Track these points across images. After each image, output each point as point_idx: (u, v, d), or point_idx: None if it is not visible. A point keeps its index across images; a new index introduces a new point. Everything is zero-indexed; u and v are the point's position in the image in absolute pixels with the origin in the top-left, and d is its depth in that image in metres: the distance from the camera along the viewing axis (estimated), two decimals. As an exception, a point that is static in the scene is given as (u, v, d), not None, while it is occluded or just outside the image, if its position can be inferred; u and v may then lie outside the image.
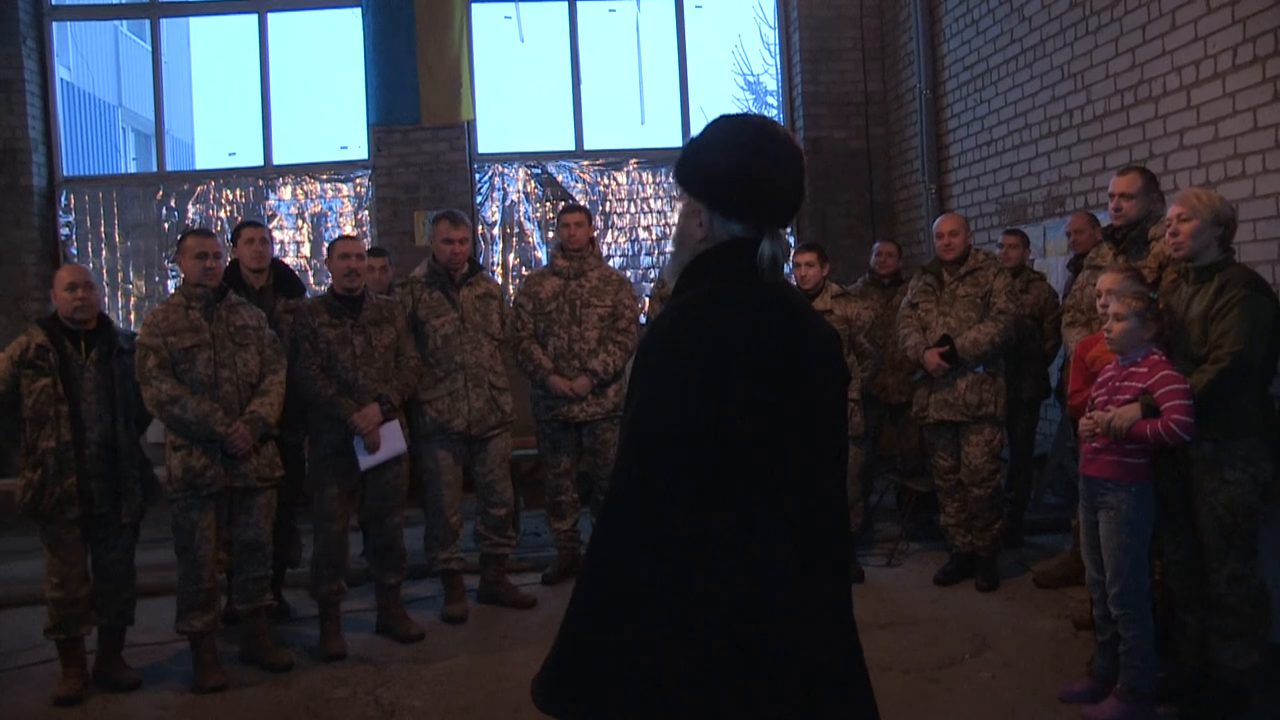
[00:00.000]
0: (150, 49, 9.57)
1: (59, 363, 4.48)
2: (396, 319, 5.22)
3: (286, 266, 5.81)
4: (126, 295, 8.99)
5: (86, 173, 10.95)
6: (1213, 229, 3.86)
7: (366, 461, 5.01)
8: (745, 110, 2.12)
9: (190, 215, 8.96)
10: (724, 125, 2.02)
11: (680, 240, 2.05)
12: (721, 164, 1.97)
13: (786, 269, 7.27)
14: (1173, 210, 3.94)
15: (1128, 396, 3.85)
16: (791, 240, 9.36)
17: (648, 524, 1.79)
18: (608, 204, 9.37)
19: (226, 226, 8.77)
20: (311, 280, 8.77)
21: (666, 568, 1.78)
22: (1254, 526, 3.83)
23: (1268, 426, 3.85)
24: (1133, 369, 3.89)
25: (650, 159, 9.38)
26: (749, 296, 1.92)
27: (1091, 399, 4.07)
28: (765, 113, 11.14)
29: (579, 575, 1.88)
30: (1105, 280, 4.11)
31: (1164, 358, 3.85)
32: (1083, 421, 4.04)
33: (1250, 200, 4.94)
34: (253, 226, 5.48)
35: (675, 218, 2.10)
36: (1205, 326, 3.83)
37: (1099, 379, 4.09)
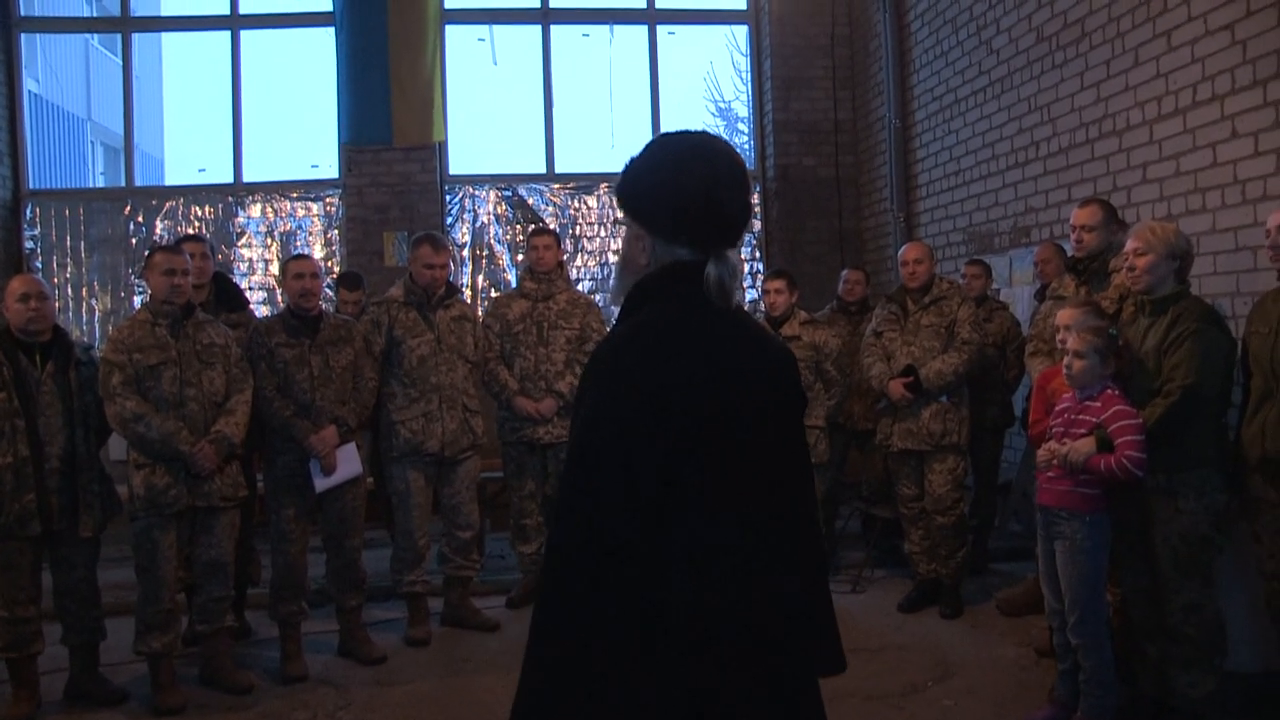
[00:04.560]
0: (121, 63, 9.51)
1: (14, 376, 4.41)
2: (355, 339, 5.20)
3: (229, 280, 5.77)
4: (91, 311, 8.90)
5: (53, 186, 10.85)
6: (1168, 262, 3.92)
7: (322, 484, 4.97)
8: (684, 129, 2.02)
9: (158, 231, 8.90)
10: (662, 145, 1.95)
11: (624, 264, 1.98)
12: (660, 186, 1.89)
13: (753, 294, 7.22)
14: (1129, 244, 4.01)
15: (1083, 431, 3.90)
16: (760, 265, 9.42)
17: (592, 554, 1.75)
18: (578, 227, 9.40)
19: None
20: (279, 299, 8.72)
21: (613, 597, 1.75)
22: (1208, 556, 3.88)
23: (1221, 457, 3.91)
24: (1088, 403, 3.94)
25: (617, 185, 9.38)
26: (694, 323, 1.85)
27: (1049, 428, 4.12)
28: (735, 140, 11.22)
29: (534, 610, 1.83)
30: (1063, 315, 4.15)
31: (1118, 393, 3.90)
32: (1040, 452, 4.09)
33: (1210, 234, 5.03)
34: (193, 241, 5.43)
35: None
36: (1159, 359, 3.89)
37: (1056, 409, 4.14)
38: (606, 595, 1.75)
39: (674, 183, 1.88)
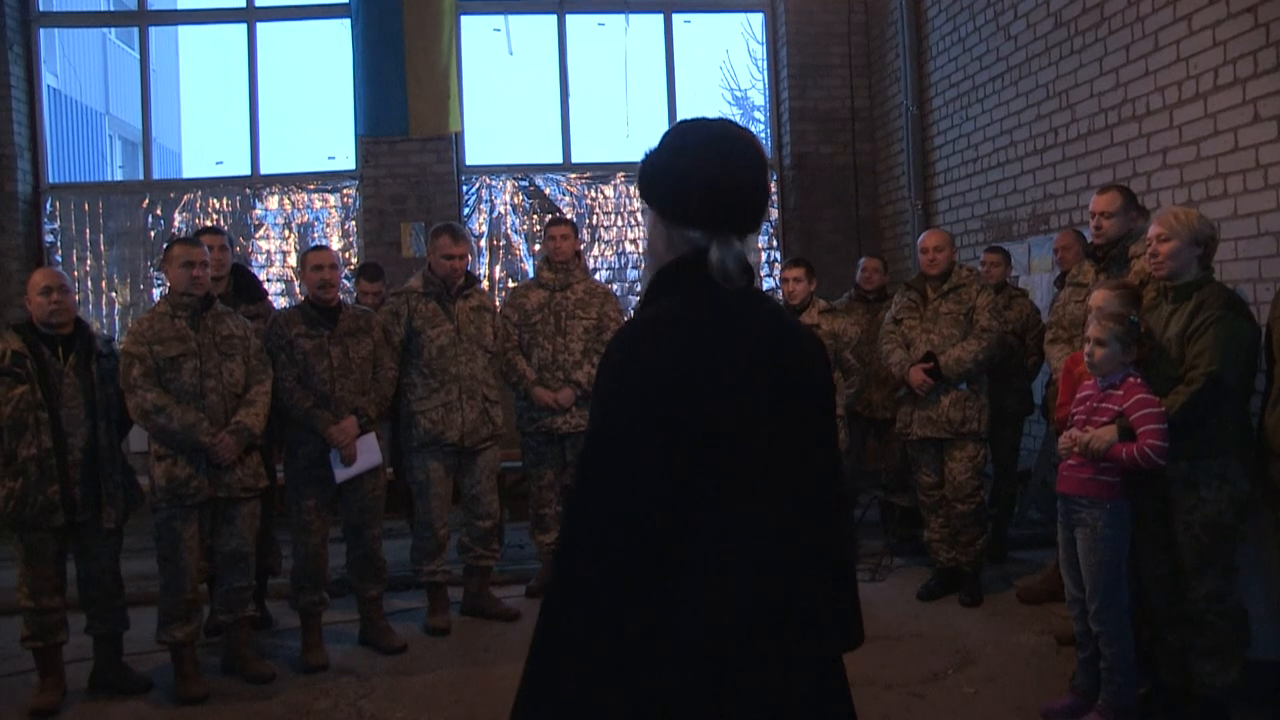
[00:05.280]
0: (139, 57, 9.56)
1: (36, 369, 4.43)
2: (373, 330, 5.21)
3: (247, 271, 5.78)
4: (110, 303, 8.96)
5: (72, 180, 10.90)
6: (1191, 249, 3.88)
7: (342, 474, 4.99)
8: (703, 116, 2.02)
9: (176, 224, 8.94)
10: (677, 132, 1.95)
11: (650, 254, 1.99)
12: (671, 173, 1.90)
13: (771, 283, 7.17)
14: (1152, 230, 3.97)
15: (1105, 419, 3.88)
16: (777, 254, 9.40)
17: (603, 543, 1.75)
18: (594, 217, 9.40)
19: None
20: (297, 290, 8.75)
21: (620, 588, 1.74)
22: (1231, 545, 3.85)
23: (1244, 445, 3.87)
24: (1110, 391, 3.91)
25: (638, 173, 9.38)
26: (706, 311, 1.85)
27: (1071, 416, 4.10)
28: (752, 127, 11.17)
29: (544, 598, 1.83)
30: (1097, 298, 4.12)
31: (1141, 380, 3.87)
32: (1061, 439, 4.06)
33: (1231, 219, 4.99)
34: (212, 233, 5.44)
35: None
36: (1182, 346, 3.86)
37: (1078, 396, 4.11)
38: (617, 586, 1.74)
39: (682, 168, 1.88)
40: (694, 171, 1.87)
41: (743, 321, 1.87)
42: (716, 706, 1.78)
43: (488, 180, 9.33)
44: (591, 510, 1.79)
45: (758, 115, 11.99)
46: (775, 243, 9.59)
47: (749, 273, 1.92)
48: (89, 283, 8.90)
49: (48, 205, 8.88)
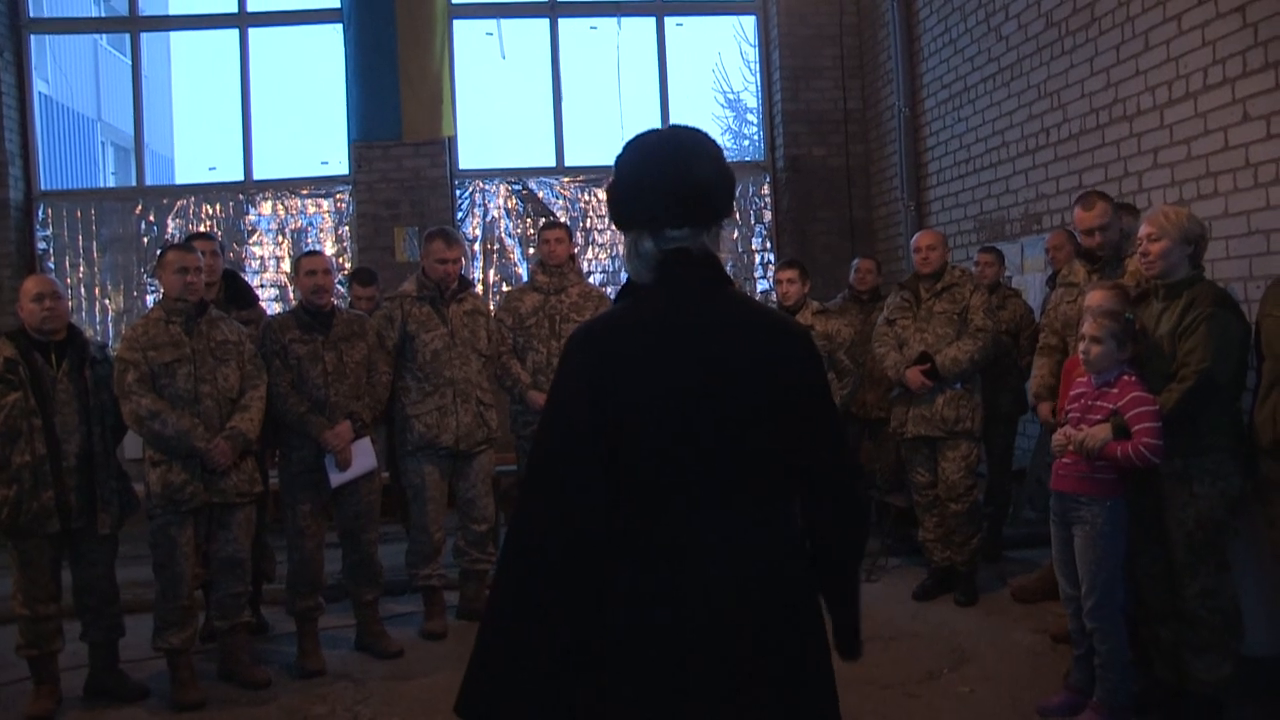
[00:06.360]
0: (130, 63, 9.55)
1: (30, 375, 4.43)
2: (368, 334, 5.21)
3: (239, 277, 5.77)
4: (104, 310, 8.94)
5: (64, 187, 10.91)
6: (1182, 247, 3.90)
7: (337, 479, 4.99)
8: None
9: (169, 230, 8.93)
10: None
11: None
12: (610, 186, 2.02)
13: (764, 285, 7.17)
14: (1142, 230, 3.99)
15: (1099, 417, 3.89)
16: (771, 256, 9.41)
17: (539, 532, 1.80)
18: (588, 220, 9.40)
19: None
20: (291, 296, 8.75)
21: (556, 579, 1.78)
22: (1223, 541, 3.88)
23: (1236, 441, 3.89)
24: (1105, 389, 3.93)
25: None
26: (654, 313, 1.90)
27: (1065, 414, 4.11)
28: (745, 130, 11.19)
29: (489, 595, 1.89)
30: (1092, 298, 4.13)
31: (1135, 378, 3.88)
32: (1055, 437, 4.08)
33: (1222, 218, 5.01)
34: (203, 239, 5.43)
35: None
36: (1174, 344, 3.87)
37: (1071, 394, 4.13)
38: (553, 588, 1.78)
39: (614, 176, 2.00)
40: (614, 180, 1.99)
41: (688, 321, 1.89)
42: (665, 710, 1.78)
43: (481, 184, 9.33)
44: (526, 513, 1.85)
45: (750, 118, 12.03)
46: (769, 245, 9.60)
47: (705, 267, 1.94)
48: (82, 289, 8.88)
49: (40, 212, 8.86)
